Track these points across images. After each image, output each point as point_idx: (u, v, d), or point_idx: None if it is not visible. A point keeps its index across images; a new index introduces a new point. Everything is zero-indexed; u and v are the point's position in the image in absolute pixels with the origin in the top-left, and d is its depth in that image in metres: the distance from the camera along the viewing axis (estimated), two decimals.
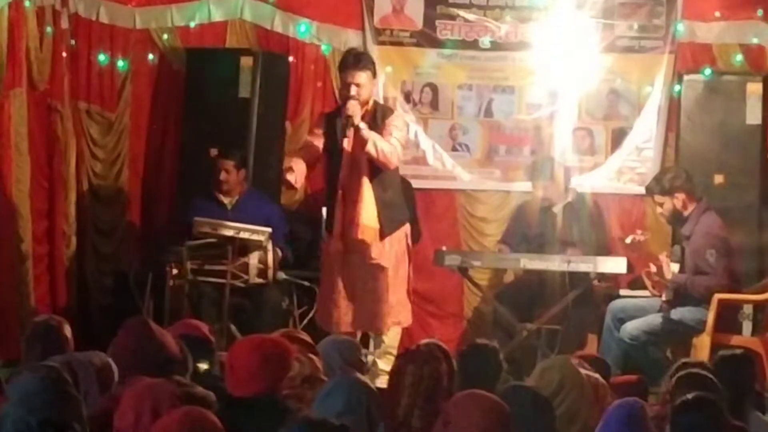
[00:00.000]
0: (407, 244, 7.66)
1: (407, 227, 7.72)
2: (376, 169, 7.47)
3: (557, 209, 8.48)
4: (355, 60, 7.55)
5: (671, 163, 9.02)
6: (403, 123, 7.84)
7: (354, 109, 7.34)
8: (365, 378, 4.67)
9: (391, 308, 7.49)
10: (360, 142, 7.36)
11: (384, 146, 7.37)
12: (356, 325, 7.60)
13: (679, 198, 7.95)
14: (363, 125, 7.34)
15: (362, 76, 7.45)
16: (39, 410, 3.94)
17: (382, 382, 6.37)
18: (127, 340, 4.75)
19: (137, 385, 4.12)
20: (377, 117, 7.52)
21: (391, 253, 7.52)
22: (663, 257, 7.82)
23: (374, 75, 7.61)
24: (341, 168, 7.45)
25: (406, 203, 8.04)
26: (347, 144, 7.41)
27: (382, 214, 7.46)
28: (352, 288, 7.51)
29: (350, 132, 7.37)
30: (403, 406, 4.43)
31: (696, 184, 8.11)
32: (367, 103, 7.48)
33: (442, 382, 4.52)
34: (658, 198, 8.04)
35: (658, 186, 8.03)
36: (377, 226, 7.43)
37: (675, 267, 7.86)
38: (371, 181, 7.44)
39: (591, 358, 5.53)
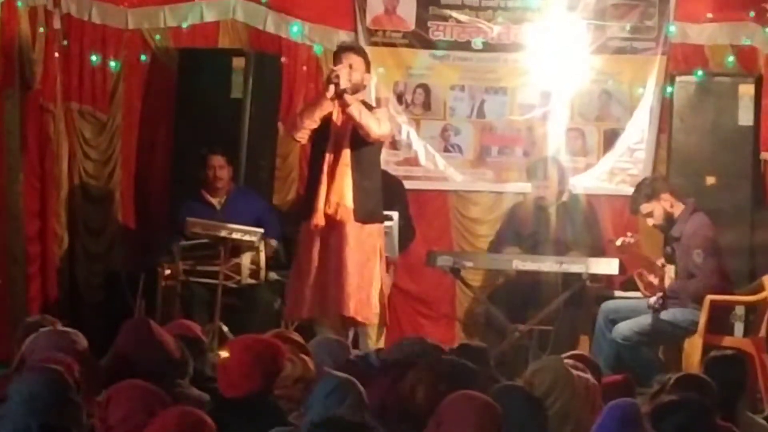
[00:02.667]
0: (381, 247, 7.49)
1: (382, 230, 7.57)
2: (359, 151, 7.38)
3: (551, 209, 8.48)
4: (348, 47, 7.72)
5: (663, 164, 9.04)
6: (389, 115, 7.84)
7: (342, 73, 7.27)
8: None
9: (351, 295, 7.27)
10: (347, 118, 7.32)
11: (366, 113, 7.31)
12: (320, 309, 7.40)
13: (667, 199, 7.95)
14: (348, 94, 7.28)
15: (355, 59, 7.42)
16: (40, 413, 3.94)
17: None
18: (128, 340, 4.75)
19: (130, 384, 4.12)
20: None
21: (361, 238, 7.36)
22: (665, 266, 7.80)
23: (367, 66, 7.53)
24: (328, 142, 7.37)
25: (397, 203, 7.99)
26: (335, 116, 7.38)
27: (357, 198, 7.35)
28: (324, 270, 7.34)
29: (335, 96, 7.28)
30: (410, 379, 4.43)
31: (674, 186, 8.14)
32: (357, 91, 7.40)
33: (456, 370, 4.54)
34: (645, 208, 8.00)
35: (642, 195, 8.01)
36: (351, 206, 7.35)
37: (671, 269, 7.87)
38: (353, 161, 7.36)
39: (581, 358, 5.52)
